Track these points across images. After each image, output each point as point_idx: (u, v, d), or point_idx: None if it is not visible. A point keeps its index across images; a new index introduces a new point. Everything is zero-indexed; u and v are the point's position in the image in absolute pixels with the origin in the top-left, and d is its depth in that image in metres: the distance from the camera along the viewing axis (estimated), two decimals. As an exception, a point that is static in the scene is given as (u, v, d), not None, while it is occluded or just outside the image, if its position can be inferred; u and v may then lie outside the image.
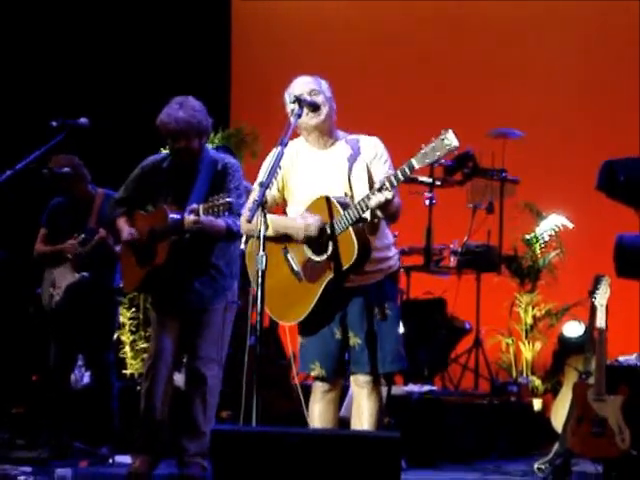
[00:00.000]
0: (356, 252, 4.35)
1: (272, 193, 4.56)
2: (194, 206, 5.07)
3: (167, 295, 5.42)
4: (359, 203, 4.32)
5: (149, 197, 5.46)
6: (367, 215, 4.34)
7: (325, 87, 4.63)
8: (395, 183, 4.22)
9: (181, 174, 5.36)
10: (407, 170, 4.20)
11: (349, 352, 4.58)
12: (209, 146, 6.06)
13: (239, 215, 5.03)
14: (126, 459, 5.50)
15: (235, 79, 10.25)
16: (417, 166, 4.17)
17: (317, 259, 4.45)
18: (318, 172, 4.58)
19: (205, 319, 5.36)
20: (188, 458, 5.31)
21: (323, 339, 4.59)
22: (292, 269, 4.52)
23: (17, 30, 9.21)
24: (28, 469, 5.52)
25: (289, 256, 4.52)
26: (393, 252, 4.67)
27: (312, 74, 4.68)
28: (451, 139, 4.10)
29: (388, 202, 4.23)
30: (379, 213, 4.30)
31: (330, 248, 4.40)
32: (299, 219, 4.47)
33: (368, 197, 4.28)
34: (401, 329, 4.66)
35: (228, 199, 4.94)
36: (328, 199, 4.43)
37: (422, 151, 4.16)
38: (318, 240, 4.42)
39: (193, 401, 5.32)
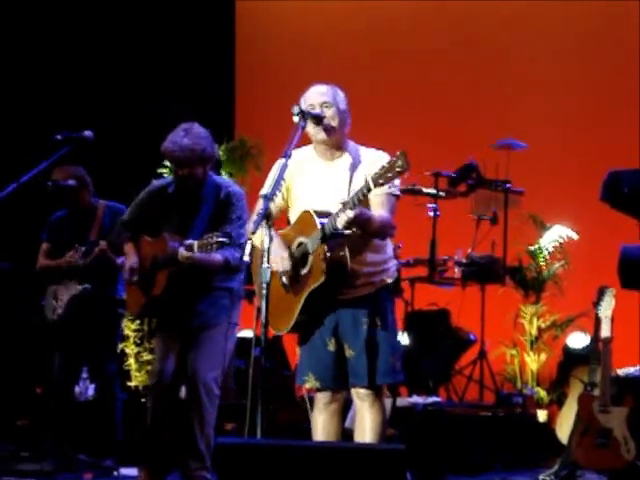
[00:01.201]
0: (324, 269, 4.38)
1: (277, 204, 4.60)
2: (189, 242, 5.11)
3: (170, 319, 5.46)
4: (329, 221, 4.36)
5: (154, 221, 5.50)
6: (348, 231, 4.34)
7: (340, 99, 4.62)
8: (357, 202, 4.24)
9: (185, 201, 5.41)
10: (365, 190, 4.23)
11: (347, 364, 4.58)
12: None
13: (239, 246, 5.16)
14: (130, 471, 5.51)
15: (240, 91, 10.26)
16: (372, 186, 4.19)
17: (301, 272, 4.51)
18: (320, 183, 4.60)
19: (206, 336, 5.37)
20: (191, 472, 5.31)
21: (316, 351, 4.61)
22: (281, 280, 4.57)
23: (20, 40, 9.22)
24: (32, 482, 5.53)
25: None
26: (389, 265, 4.66)
27: (329, 83, 4.67)
28: (402, 162, 4.14)
29: (353, 220, 4.24)
30: (358, 230, 4.34)
31: (309, 263, 4.46)
32: (278, 251, 4.49)
33: (337, 214, 4.31)
34: (402, 341, 4.66)
35: (222, 239, 4.99)
36: (310, 213, 4.48)
37: (377, 172, 4.20)
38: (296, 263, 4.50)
39: (191, 417, 5.32)
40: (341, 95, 4.65)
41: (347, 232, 4.35)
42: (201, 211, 5.35)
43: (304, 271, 4.49)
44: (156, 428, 5.38)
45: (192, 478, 5.31)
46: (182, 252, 5.12)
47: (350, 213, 4.23)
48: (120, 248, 5.63)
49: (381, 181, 4.19)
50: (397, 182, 4.55)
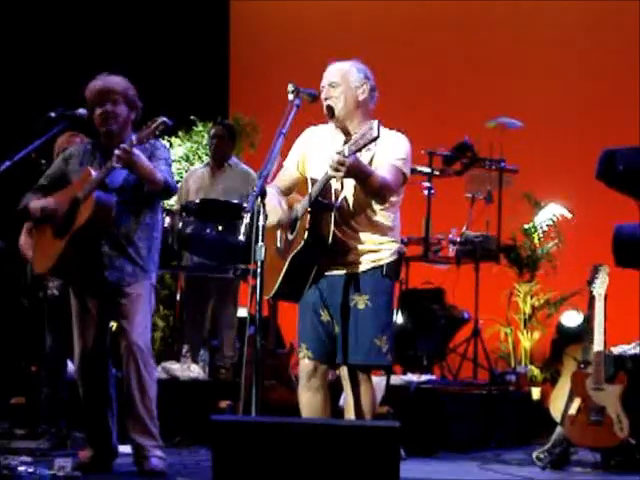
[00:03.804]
0: (305, 234, 4.39)
1: (292, 174, 4.68)
2: (131, 138, 4.86)
3: (85, 270, 5.16)
4: (323, 177, 4.37)
5: (70, 182, 5.20)
6: (335, 201, 4.42)
7: (353, 77, 4.58)
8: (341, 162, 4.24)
9: (106, 153, 5.10)
10: (342, 156, 4.23)
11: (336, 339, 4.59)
12: None
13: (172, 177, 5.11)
14: (126, 449, 5.50)
15: (234, 69, 10.24)
16: (347, 152, 4.22)
17: (289, 237, 4.56)
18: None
19: (131, 309, 5.16)
20: (144, 452, 5.20)
21: (311, 321, 4.60)
22: (276, 244, 4.61)
23: (15, 25, 9.20)
24: (28, 459, 5.52)
25: (278, 232, 4.63)
26: (388, 247, 4.60)
27: (351, 59, 4.66)
28: (374, 131, 4.16)
29: (351, 165, 4.22)
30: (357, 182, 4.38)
31: (297, 228, 4.52)
32: (273, 200, 4.55)
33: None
34: (397, 320, 4.63)
35: (164, 118, 4.82)
36: (306, 180, 4.53)
37: (352, 139, 4.26)
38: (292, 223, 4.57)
39: (130, 387, 5.17)
40: (355, 73, 4.59)
41: (338, 203, 4.41)
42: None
43: (291, 236, 4.54)
44: (91, 413, 5.28)
45: (147, 458, 5.19)
46: (120, 147, 4.80)
47: (331, 172, 4.24)
48: (25, 214, 5.28)
49: (353, 147, 4.23)
50: (407, 158, 4.55)
